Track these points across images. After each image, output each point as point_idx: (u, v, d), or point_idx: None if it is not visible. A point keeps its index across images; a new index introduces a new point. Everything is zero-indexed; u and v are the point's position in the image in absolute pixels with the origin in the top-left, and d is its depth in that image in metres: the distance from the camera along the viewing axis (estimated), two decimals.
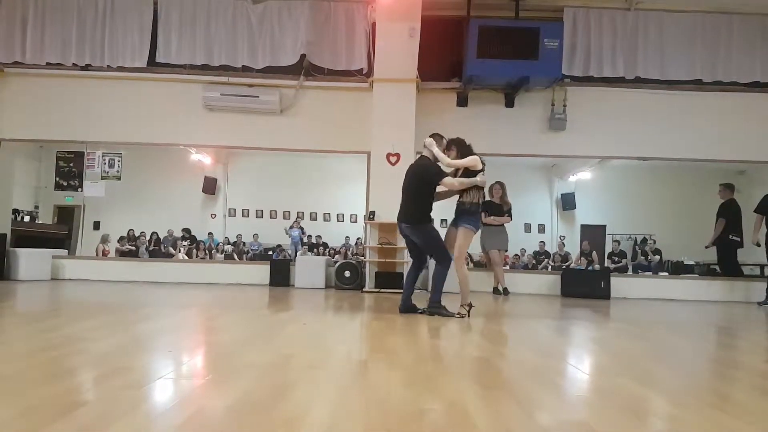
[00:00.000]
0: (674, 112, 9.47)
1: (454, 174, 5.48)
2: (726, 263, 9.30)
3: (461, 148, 5.49)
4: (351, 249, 13.74)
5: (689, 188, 10.11)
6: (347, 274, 9.02)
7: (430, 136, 5.60)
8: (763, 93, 9.50)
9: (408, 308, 5.55)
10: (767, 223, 8.40)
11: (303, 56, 9.38)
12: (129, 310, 5.49)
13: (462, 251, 5.37)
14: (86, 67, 9.63)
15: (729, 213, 8.93)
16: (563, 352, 3.85)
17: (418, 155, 5.64)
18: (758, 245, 8.61)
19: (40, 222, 12.78)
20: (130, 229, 13.09)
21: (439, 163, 5.43)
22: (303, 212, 14.96)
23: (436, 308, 5.36)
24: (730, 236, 8.95)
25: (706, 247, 9.47)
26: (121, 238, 12.58)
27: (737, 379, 2.93)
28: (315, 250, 13.69)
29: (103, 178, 10.02)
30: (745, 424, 2.04)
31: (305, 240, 14.14)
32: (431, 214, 5.49)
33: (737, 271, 9.36)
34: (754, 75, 9.40)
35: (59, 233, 11.79)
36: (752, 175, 9.01)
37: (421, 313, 5.43)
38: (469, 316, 5.26)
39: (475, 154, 5.41)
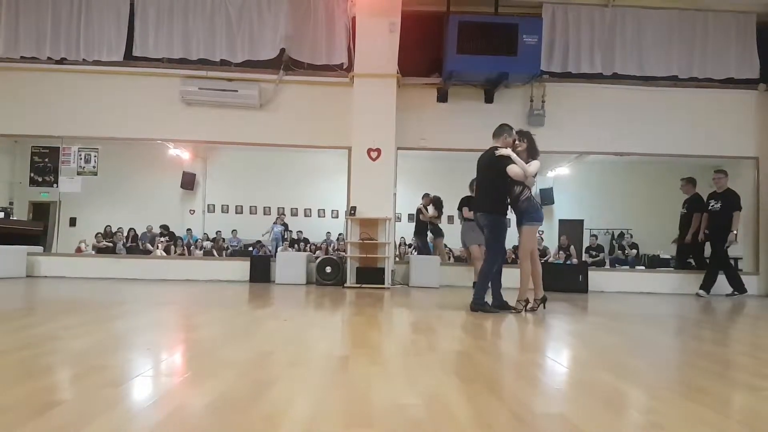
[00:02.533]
0: (651, 108, 9.62)
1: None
2: (696, 256, 9.46)
3: (531, 141, 5.59)
4: (332, 245, 13.71)
5: (665, 183, 10.26)
6: (328, 269, 9.01)
7: (499, 127, 5.66)
8: (738, 89, 9.68)
9: (501, 305, 5.60)
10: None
11: (283, 50, 9.32)
12: (106, 307, 5.42)
13: (526, 248, 5.49)
14: (61, 61, 9.48)
15: (699, 208, 9.08)
16: (542, 346, 3.89)
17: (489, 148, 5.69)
18: (705, 240, 8.91)
19: (14, 218, 12.53)
20: (107, 226, 12.90)
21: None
22: (283, 208, 14.86)
23: (479, 305, 5.44)
24: (705, 231, 9.10)
25: (673, 242, 9.63)
26: (97, 235, 12.39)
27: (712, 371, 2.98)
28: (296, 245, 13.63)
29: (79, 173, 9.87)
30: (721, 415, 2.08)
31: (286, 236, 14.06)
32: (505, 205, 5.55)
33: (704, 265, 9.54)
34: (728, 72, 9.56)
35: (34, 230, 11.56)
36: (727, 170, 9.19)
37: (509, 310, 5.51)
38: (525, 311, 5.43)
39: (538, 152, 5.55)
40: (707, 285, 8.72)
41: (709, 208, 8.80)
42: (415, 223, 10.99)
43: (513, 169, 5.40)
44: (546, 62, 9.31)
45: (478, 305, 5.44)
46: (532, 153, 5.54)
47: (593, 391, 2.40)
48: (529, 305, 5.56)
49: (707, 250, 9.09)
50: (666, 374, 2.96)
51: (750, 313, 6.84)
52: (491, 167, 5.54)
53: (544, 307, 5.68)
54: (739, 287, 8.74)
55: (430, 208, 10.14)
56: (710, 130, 9.62)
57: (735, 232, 8.55)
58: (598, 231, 13.52)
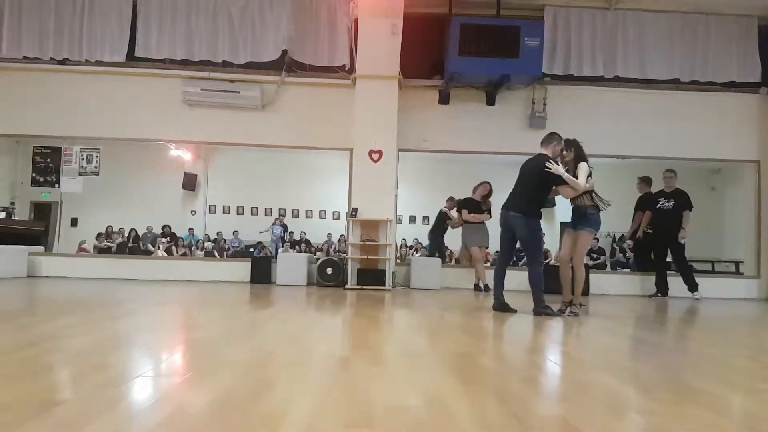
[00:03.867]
0: (652, 112, 9.61)
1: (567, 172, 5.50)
2: (646, 257, 9.47)
3: (578, 149, 5.62)
4: (333, 246, 13.72)
5: None
6: (329, 271, 9.00)
7: (549, 135, 5.68)
8: (739, 93, 9.67)
9: (501, 306, 5.63)
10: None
11: (285, 52, 9.32)
12: (106, 307, 5.42)
13: (582, 253, 5.61)
14: (64, 61, 9.50)
15: (646, 206, 9.08)
16: (543, 348, 3.88)
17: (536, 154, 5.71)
18: (642, 238, 9.00)
19: (16, 218, 12.54)
20: (108, 226, 12.92)
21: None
22: (285, 209, 14.87)
23: (542, 309, 5.44)
24: (647, 230, 9.08)
25: (628, 239, 9.67)
26: (99, 235, 12.41)
27: (711, 373, 2.98)
28: (297, 247, 13.64)
29: (80, 174, 9.88)
30: (718, 416, 2.08)
31: (287, 237, 14.07)
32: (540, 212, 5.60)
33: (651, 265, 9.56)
34: (730, 75, 9.56)
35: (36, 230, 11.58)
36: (727, 173, 9.19)
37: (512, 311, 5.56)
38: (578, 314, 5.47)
39: (586, 159, 5.57)
40: (691, 284, 8.67)
41: (659, 206, 8.79)
42: (434, 224, 11.02)
43: (565, 192, 5.45)
44: (547, 65, 9.31)
45: (540, 310, 5.43)
46: (579, 161, 5.53)
47: (594, 393, 2.40)
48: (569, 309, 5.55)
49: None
50: (666, 376, 2.96)
51: (751, 316, 6.83)
52: (536, 176, 5.49)
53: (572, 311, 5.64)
54: (663, 289, 8.83)
55: (453, 212, 10.08)
56: (711, 133, 9.61)
57: (686, 229, 8.56)
58: (599, 234, 13.50)
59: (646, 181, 9.41)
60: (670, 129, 9.59)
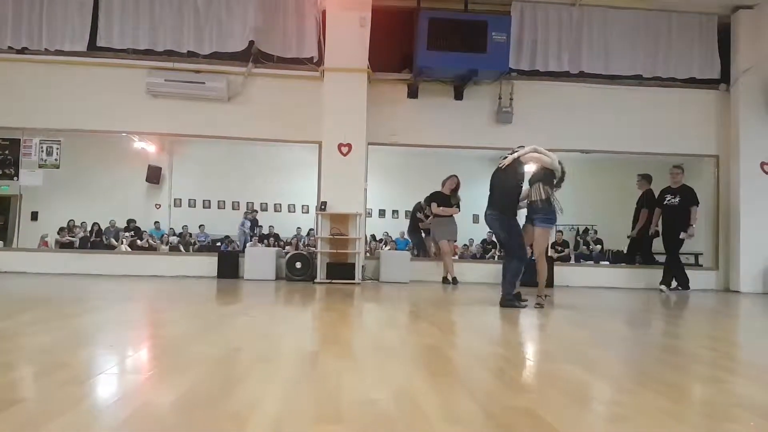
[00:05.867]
0: (616, 107, 9.80)
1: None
2: (643, 252, 9.69)
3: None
4: (303, 240, 13.63)
5: (629, 180, 10.44)
6: (298, 265, 8.95)
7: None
8: (700, 89, 9.93)
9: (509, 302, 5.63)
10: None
11: (251, 43, 9.18)
12: (69, 303, 5.30)
13: (541, 247, 5.68)
14: (23, 50, 9.19)
15: (651, 204, 9.28)
16: (510, 340, 3.94)
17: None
18: (656, 235, 9.10)
19: None
20: (70, 220, 12.58)
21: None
22: (253, 202, 14.69)
23: (509, 302, 5.47)
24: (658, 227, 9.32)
25: (628, 237, 9.85)
26: (61, 230, 12.08)
27: (674, 363, 3.07)
28: (265, 241, 13.51)
29: (40, 166, 9.57)
30: (681, 406, 2.14)
31: (256, 232, 13.91)
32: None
33: (651, 260, 9.79)
34: (691, 71, 9.80)
35: None
36: (689, 168, 9.43)
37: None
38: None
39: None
40: (668, 281, 8.83)
41: (665, 203, 8.91)
42: (410, 224, 10.98)
43: (544, 159, 5.63)
44: (514, 60, 9.40)
45: (508, 302, 5.48)
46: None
47: (560, 384, 2.44)
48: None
49: (655, 244, 9.30)
50: (629, 366, 3.03)
51: (710, 306, 7.05)
52: (514, 177, 5.66)
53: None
54: (684, 283, 8.89)
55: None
56: (673, 128, 9.85)
57: (694, 225, 8.75)
58: (564, 227, 13.73)
59: (646, 178, 9.56)
60: (633, 124, 9.79)
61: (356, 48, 8.81)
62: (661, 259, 9.34)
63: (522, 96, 9.68)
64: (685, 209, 8.70)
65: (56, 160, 9.59)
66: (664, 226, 8.94)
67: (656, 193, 9.17)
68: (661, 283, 8.70)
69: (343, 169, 8.79)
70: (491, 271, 9.59)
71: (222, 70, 9.36)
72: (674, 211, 8.75)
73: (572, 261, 12.09)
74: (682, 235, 8.64)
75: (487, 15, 9.08)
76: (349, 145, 8.81)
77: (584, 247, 13.17)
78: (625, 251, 10.51)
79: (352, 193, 8.79)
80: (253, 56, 9.30)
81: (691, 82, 9.88)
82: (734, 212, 9.66)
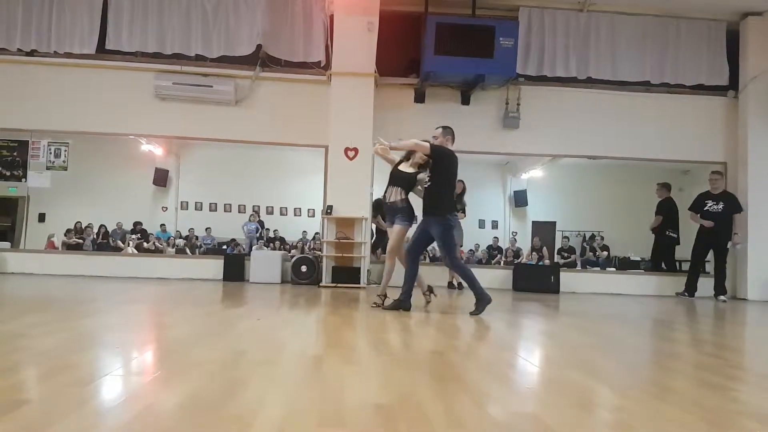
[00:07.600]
0: (623, 113, 9.76)
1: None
2: (666, 258, 9.67)
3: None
4: (308, 243, 13.63)
5: (636, 186, 10.44)
6: (304, 268, 8.96)
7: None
8: (708, 96, 9.88)
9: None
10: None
11: (259, 46, 9.21)
12: (75, 305, 5.31)
13: (394, 245, 5.76)
14: (32, 53, 9.25)
15: (669, 211, 9.26)
16: (514, 345, 3.92)
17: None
18: (678, 242, 9.18)
19: None
20: (77, 222, 12.63)
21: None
22: (259, 206, 14.71)
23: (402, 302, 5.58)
24: (668, 233, 9.30)
25: (652, 230, 9.82)
26: (68, 231, 12.13)
27: (678, 371, 3.05)
28: (271, 244, 13.52)
29: (48, 168, 9.63)
30: (685, 413, 2.13)
31: (262, 234, 13.93)
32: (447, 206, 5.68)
33: (673, 267, 9.75)
34: (699, 78, 9.76)
35: (2, 225, 11.30)
36: (696, 175, 9.38)
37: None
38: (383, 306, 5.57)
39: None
40: (691, 288, 8.76)
41: (706, 208, 8.78)
42: None
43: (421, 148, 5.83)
44: (522, 65, 9.39)
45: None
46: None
47: (565, 391, 2.43)
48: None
49: (679, 251, 9.25)
50: (635, 373, 3.01)
51: (716, 314, 7.00)
52: None
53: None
54: (692, 290, 8.88)
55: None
56: (680, 135, 9.80)
57: (739, 234, 8.67)
58: (570, 233, 13.68)
59: (666, 186, 9.58)
60: (640, 130, 9.75)
61: (363, 52, 8.83)
62: (685, 266, 9.33)
63: (529, 101, 9.66)
64: (729, 216, 8.65)
65: (64, 162, 9.65)
66: (706, 233, 8.80)
67: (684, 200, 9.14)
68: (716, 294, 8.66)
69: (349, 173, 8.80)
70: (497, 276, 9.59)
71: (230, 74, 9.39)
72: (718, 217, 8.70)
73: (578, 267, 12.04)
74: (729, 245, 8.57)
75: (494, 20, 9.07)
76: (356, 149, 8.81)
77: (591, 253, 13.12)
78: (632, 257, 10.48)
79: (358, 197, 8.79)
80: (260, 60, 9.33)
81: (700, 89, 9.83)
82: (742, 219, 9.59)
